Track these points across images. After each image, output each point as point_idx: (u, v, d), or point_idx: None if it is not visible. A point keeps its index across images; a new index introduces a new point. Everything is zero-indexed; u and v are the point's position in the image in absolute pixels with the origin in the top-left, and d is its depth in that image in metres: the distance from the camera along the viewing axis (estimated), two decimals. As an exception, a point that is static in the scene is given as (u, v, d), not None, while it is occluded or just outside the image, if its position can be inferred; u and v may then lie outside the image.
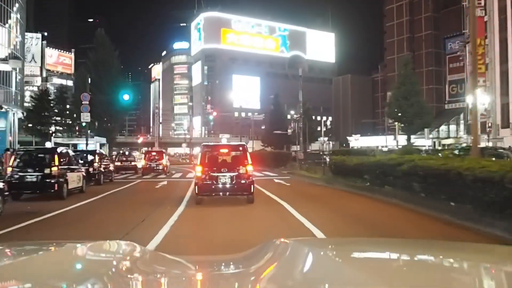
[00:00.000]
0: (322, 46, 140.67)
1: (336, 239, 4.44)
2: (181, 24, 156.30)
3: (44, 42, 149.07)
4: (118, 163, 33.43)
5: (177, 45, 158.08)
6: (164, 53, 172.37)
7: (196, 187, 13.55)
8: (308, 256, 1.93)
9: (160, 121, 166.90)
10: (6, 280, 1.50)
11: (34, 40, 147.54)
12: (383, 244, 2.44)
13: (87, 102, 31.93)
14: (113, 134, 54.07)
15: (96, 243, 2.34)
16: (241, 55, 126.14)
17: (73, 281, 1.57)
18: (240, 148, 14.60)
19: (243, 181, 13.46)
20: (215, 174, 13.44)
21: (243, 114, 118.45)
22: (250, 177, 13.62)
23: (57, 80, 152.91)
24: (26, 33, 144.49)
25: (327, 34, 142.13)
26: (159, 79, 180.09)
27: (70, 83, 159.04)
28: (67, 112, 57.69)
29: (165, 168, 33.08)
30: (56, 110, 55.68)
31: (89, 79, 40.07)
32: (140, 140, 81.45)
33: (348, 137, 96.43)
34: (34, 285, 1.49)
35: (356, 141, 77.71)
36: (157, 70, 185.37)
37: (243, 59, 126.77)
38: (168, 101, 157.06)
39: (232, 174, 13.45)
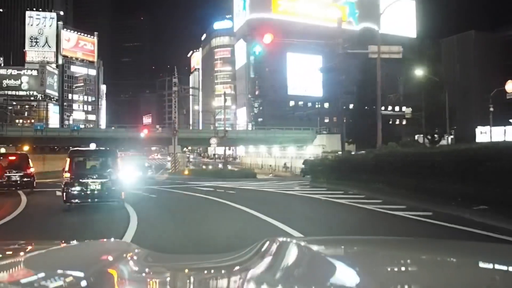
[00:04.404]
0: (400, 17, 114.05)
1: (333, 238, 4.06)
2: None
3: (60, 23, 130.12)
4: None
5: (218, 25, 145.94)
6: (204, 37, 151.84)
7: (64, 194, 13.42)
8: (304, 255, 1.99)
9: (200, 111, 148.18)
10: (2, 279, 1.57)
11: (47, 21, 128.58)
12: (379, 243, 2.48)
13: None
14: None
15: (91, 242, 2.58)
16: (297, 27, 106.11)
17: (68, 279, 1.63)
18: (110, 154, 15.16)
19: (113, 188, 13.62)
20: (84, 180, 13.52)
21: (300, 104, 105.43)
22: (120, 184, 13.87)
23: (76, 69, 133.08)
24: (38, 13, 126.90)
25: (406, 1, 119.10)
26: (198, 69, 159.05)
27: (92, 72, 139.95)
28: None
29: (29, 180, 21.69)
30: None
31: None
32: (143, 134, 56.00)
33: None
34: (29, 284, 1.55)
35: (483, 136, 50.86)
36: (196, 59, 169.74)
37: (300, 32, 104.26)
38: (207, 92, 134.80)
39: (101, 180, 13.62)
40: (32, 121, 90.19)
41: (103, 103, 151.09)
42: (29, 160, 22.68)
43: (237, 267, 1.92)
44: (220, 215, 11.77)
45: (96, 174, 13.82)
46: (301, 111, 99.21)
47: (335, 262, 1.80)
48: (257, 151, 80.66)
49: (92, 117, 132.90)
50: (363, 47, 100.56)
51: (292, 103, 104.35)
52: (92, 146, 19.69)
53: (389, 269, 1.77)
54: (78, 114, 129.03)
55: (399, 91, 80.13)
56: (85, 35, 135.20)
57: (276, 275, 1.65)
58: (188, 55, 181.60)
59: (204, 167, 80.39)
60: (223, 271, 1.92)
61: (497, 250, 2.23)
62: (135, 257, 2.11)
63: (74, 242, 2.43)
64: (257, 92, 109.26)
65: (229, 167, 60.90)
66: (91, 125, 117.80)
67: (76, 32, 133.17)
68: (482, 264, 1.81)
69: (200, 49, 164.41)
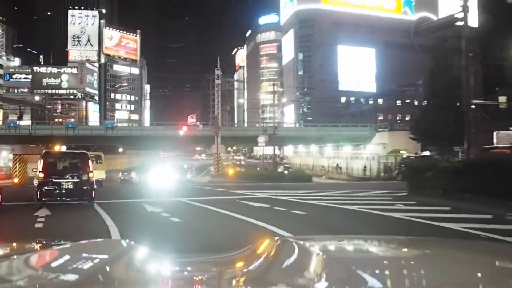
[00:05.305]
0: (459, 4, 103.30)
1: (333, 237, 3.91)
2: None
3: (103, 21, 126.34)
4: None
5: (263, 20, 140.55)
6: (248, 33, 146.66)
7: (38, 192, 13.92)
8: (304, 254, 1.98)
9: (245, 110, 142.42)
10: (4, 280, 1.55)
11: (90, 19, 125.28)
12: (381, 242, 2.43)
13: None
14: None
15: (91, 241, 2.51)
16: (348, 18, 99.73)
17: (68, 279, 1.63)
18: (81, 156, 15.71)
19: (84, 187, 14.29)
20: (57, 180, 14.10)
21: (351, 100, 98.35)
22: (91, 184, 14.49)
23: (119, 67, 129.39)
24: (80, 11, 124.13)
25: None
26: (243, 66, 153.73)
27: (135, 70, 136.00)
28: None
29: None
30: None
31: None
32: (182, 132, 49.88)
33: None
34: (30, 284, 1.57)
35: None
36: (241, 56, 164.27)
37: (351, 23, 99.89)
38: (253, 90, 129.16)
39: (73, 180, 14.27)
40: (72, 120, 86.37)
41: (147, 102, 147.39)
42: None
43: (237, 266, 1.92)
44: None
45: (68, 175, 14.47)
46: (354, 108, 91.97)
47: (334, 261, 1.79)
48: (307, 151, 73.63)
49: (135, 116, 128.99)
50: (420, 37, 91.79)
51: (343, 99, 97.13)
52: (64, 148, 20.28)
53: (388, 268, 1.75)
54: (121, 114, 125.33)
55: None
56: (128, 33, 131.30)
57: (275, 274, 1.66)
58: (233, 53, 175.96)
59: (250, 169, 74.68)
60: (223, 270, 1.88)
61: (496, 248, 2.30)
62: (135, 257, 2.10)
63: (74, 242, 2.38)
64: (305, 88, 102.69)
65: (281, 168, 54.66)
66: (135, 125, 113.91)
67: (118, 30, 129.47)
68: (481, 263, 1.79)
69: (245, 46, 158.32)
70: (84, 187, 14.21)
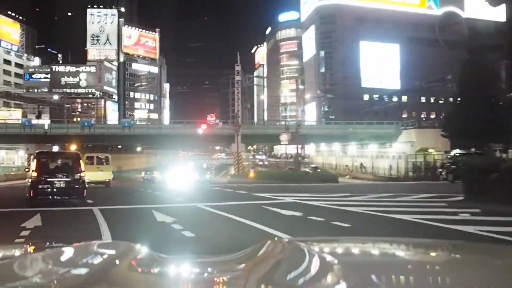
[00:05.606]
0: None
1: (334, 238, 4.02)
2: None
3: (121, 19, 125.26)
4: None
5: (283, 17, 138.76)
6: (268, 30, 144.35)
7: (32, 191, 14.50)
8: (305, 255, 1.96)
9: (264, 108, 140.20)
10: (6, 280, 1.57)
11: (108, 18, 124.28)
12: (383, 244, 2.46)
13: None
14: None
15: (93, 242, 2.51)
16: (371, 13, 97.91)
17: (70, 280, 1.65)
18: (73, 156, 16.83)
19: (76, 186, 14.95)
20: (50, 179, 14.70)
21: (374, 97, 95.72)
22: (82, 183, 15.14)
23: (138, 66, 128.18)
24: (99, 10, 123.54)
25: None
26: (263, 65, 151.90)
27: (154, 69, 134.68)
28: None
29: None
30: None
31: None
32: (201, 130, 47.99)
33: None
34: (31, 285, 1.57)
35: None
36: (260, 54, 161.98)
37: (374, 19, 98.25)
38: (273, 88, 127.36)
39: (65, 179, 14.91)
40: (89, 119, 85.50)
41: (166, 102, 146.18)
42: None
43: (238, 267, 1.94)
44: None
45: (60, 174, 15.05)
46: (377, 105, 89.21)
47: (336, 262, 1.78)
48: (330, 150, 71.17)
49: (154, 116, 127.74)
50: (445, 32, 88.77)
51: (366, 96, 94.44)
52: (55, 148, 19.38)
53: (390, 269, 1.74)
54: (140, 113, 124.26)
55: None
56: (147, 31, 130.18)
57: (277, 275, 1.68)
58: (252, 51, 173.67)
59: (272, 168, 72.60)
60: (224, 272, 1.91)
61: (496, 250, 2.26)
62: (137, 258, 2.10)
63: (76, 244, 2.39)
64: (327, 86, 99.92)
65: (308, 168, 52.48)
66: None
67: (137, 28, 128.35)
68: (479, 265, 1.81)
69: (265, 43, 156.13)
70: (76, 186, 14.92)
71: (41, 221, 10.59)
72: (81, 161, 15.88)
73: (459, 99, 44.35)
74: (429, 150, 47.99)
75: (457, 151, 34.93)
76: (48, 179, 14.65)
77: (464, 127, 41.66)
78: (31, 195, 14.46)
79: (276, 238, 2.28)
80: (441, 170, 36.30)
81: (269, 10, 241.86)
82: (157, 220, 10.51)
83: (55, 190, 14.64)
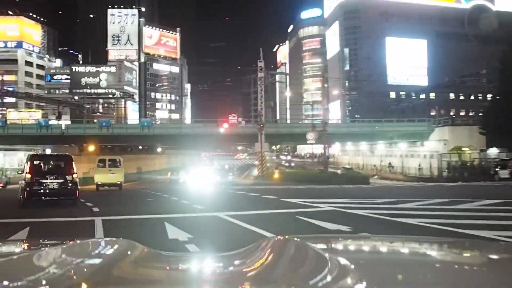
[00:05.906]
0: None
1: (334, 236, 4.31)
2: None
3: (142, 19, 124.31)
4: None
5: (305, 14, 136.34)
6: (290, 28, 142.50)
7: (25, 192, 14.98)
8: (305, 253, 1.97)
9: (287, 107, 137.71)
10: (4, 278, 1.55)
11: (129, 18, 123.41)
12: (384, 241, 2.44)
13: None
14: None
15: (93, 240, 2.61)
16: (397, 8, 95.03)
17: (69, 278, 1.65)
18: (65, 158, 17.15)
19: (69, 187, 15.60)
20: (43, 180, 15.30)
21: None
22: (75, 184, 15.80)
23: (159, 66, 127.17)
24: (120, 10, 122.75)
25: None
26: (285, 63, 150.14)
27: (175, 69, 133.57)
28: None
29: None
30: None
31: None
32: (222, 129, 46.06)
33: None
34: (30, 283, 1.56)
35: None
36: (282, 53, 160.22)
37: (400, 13, 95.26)
38: (296, 87, 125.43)
39: (58, 181, 15.48)
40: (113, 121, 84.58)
41: (188, 102, 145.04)
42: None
43: (240, 266, 1.93)
44: None
45: (53, 176, 15.73)
46: (404, 102, 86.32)
47: (335, 260, 1.73)
48: (356, 149, 68.60)
49: (175, 116, 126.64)
50: (474, 26, 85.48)
51: (392, 94, 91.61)
52: (48, 151, 17.33)
53: (389, 267, 1.73)
54: (161, 113, 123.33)
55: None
56: (167, 31, 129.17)
57: (276, 273, 1.68)
58: (274, 50, 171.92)
59: (298, 169, 70.35)
60: (224, 269, 1.92)
61: (494, 247, 2.27)
62: (137, 256, 2.10)
63: (76, 241, 2.38)
64: (352, 83, 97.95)
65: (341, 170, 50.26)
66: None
67: (158, 28, 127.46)
68: (479, 262, 1.83)
69: (287, 42, 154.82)
70: (69, 187, 15.59)
71: (27, 236, 8.65)
72: (73, 163, 16.36)
73: (499, 93, 41.69)
74: (463, 149, 45.52)
75: (467, 151, 33.47)
76: (41, 181, 15.26)
77: (505, 123, 38.94)
78: (25, 196, 15.03)
79: (276, 237, 2.06)
80: (498, 169, 34.29)
81: (291, 8, 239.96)
82: (169, 237, 8.38)
83: (47, 191, 15.28)
